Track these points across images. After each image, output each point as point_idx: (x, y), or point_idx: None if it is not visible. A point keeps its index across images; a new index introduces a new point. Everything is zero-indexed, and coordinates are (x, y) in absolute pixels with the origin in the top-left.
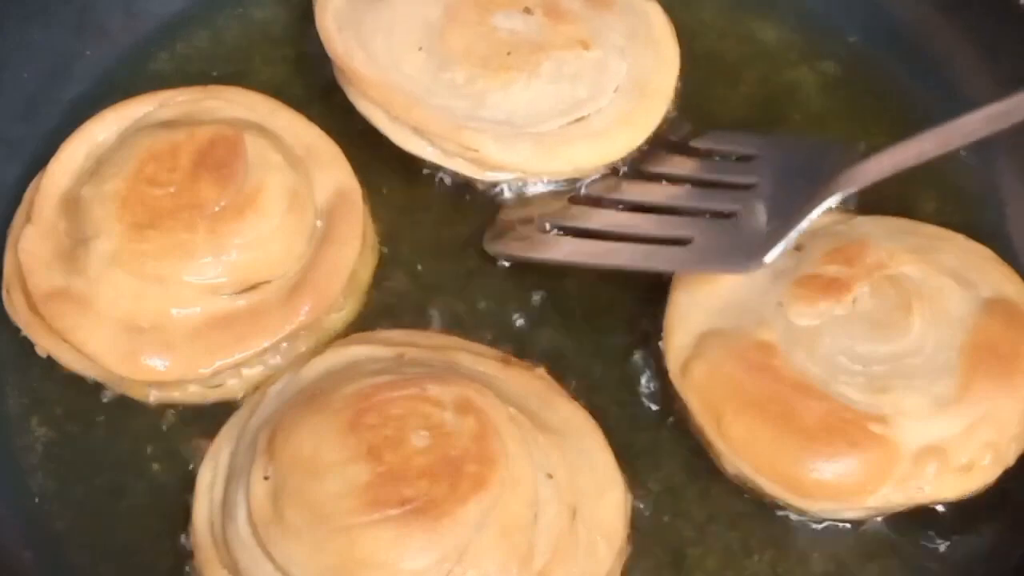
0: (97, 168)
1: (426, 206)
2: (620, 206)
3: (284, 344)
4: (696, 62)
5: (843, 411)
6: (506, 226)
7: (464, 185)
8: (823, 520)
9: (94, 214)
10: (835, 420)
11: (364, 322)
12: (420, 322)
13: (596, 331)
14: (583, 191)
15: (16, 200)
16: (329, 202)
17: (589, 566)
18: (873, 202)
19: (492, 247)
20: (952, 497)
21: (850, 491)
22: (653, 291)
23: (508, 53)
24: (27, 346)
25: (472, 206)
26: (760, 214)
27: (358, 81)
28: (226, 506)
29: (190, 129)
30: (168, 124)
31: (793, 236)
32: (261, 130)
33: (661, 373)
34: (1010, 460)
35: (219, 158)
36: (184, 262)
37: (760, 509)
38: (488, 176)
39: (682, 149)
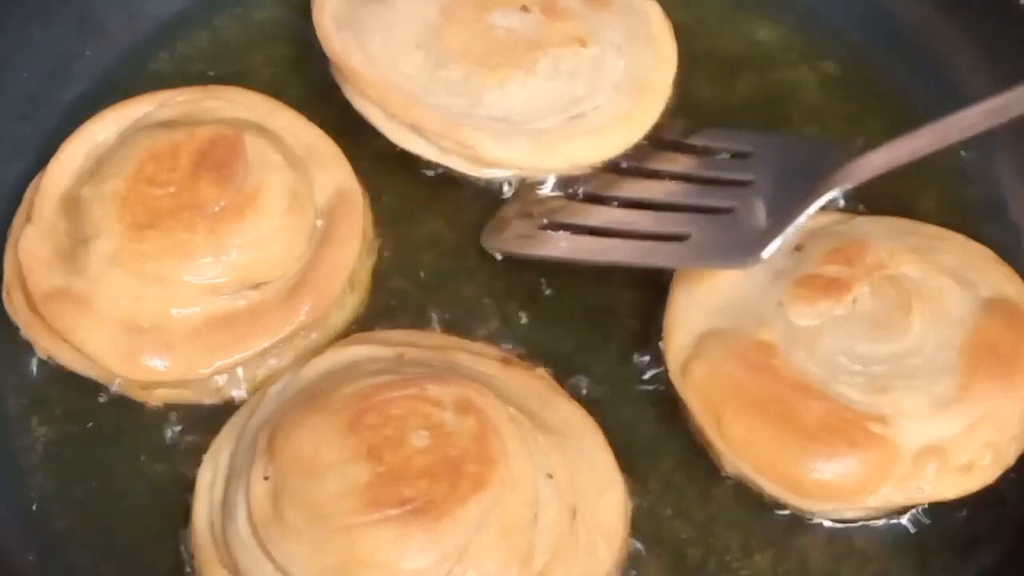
0: (97, 168)
1: (425, 205)
2: (618, 203)
3: (284, 344)
4: (696, 61)
5: (843, 411)
6: (505, 223)
7: (463, 183)
8: (823, 520)
9: (94, 214)
10: (835, 420)
11: (364, 322)
12: (420, 322)
13: (596, 331)
14: (581, 188)
15: (16, 200)
16: (329, 202)
17: (589, 566)
18: (873, 202)
19: (491, 244)
20: (952, 497)
21: (850, 491)
22: (653, 291)
23: (505, 51)
24: (27, 346)
25: (471, 204)
26: (758, 210)
27: (356, 80)
28: (226, 506)
29: (190, 129)
30: (168, 124)
31: (791, 232)
32: (261, 130)
33: (661, 373)
34: (1010, 460)
35: (219, 158)
36: (184, 262)
37: (760, 509)
38: (486, 173)
39: (680, 146)
